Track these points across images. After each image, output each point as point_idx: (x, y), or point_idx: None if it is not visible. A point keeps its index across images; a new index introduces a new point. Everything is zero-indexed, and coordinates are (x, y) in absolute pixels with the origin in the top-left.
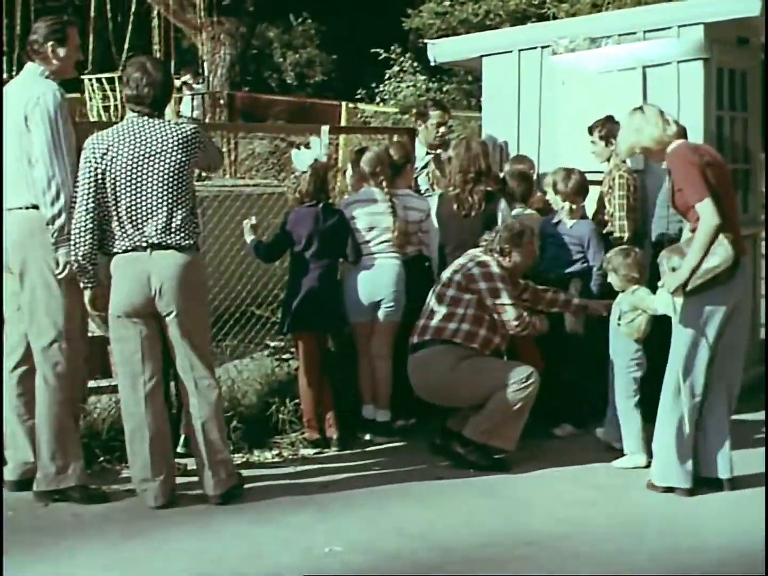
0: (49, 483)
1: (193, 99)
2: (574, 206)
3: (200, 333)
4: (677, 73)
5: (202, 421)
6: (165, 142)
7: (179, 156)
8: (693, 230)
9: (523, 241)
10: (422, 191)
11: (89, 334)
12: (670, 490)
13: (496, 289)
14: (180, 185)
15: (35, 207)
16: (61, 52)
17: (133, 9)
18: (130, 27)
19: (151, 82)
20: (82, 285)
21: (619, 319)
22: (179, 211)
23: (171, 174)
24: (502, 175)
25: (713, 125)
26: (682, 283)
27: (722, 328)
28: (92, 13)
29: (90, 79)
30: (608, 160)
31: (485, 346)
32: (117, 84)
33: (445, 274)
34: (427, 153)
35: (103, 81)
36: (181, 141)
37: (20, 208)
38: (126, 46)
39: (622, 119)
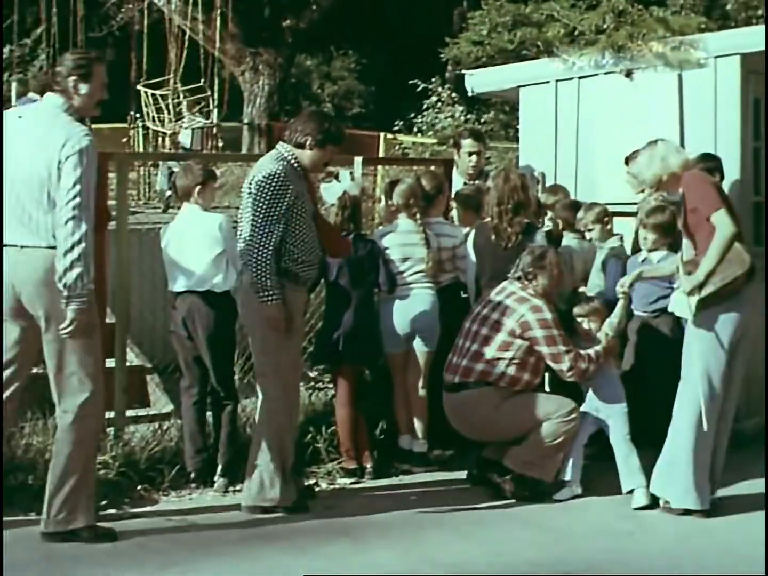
0: (57, 525)
1: (192, 131)
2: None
3: None
4: (714, 104)
5: None
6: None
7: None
8: (697, 254)
9: (545, 263)
10: (457, 222)
11: (127, 364)
12: (686, 512)
13: (552, 337)
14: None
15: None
16: (83, 88)
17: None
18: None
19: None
20: (260, 301)
21: None
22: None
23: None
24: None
25: (750, 157)
26: (698, 285)
27: (736, 341)
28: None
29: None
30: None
31: (526, 388)
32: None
33: (491, 314)
34: (465, 184)
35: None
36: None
37: (40, 247)
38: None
39: (642, 152)
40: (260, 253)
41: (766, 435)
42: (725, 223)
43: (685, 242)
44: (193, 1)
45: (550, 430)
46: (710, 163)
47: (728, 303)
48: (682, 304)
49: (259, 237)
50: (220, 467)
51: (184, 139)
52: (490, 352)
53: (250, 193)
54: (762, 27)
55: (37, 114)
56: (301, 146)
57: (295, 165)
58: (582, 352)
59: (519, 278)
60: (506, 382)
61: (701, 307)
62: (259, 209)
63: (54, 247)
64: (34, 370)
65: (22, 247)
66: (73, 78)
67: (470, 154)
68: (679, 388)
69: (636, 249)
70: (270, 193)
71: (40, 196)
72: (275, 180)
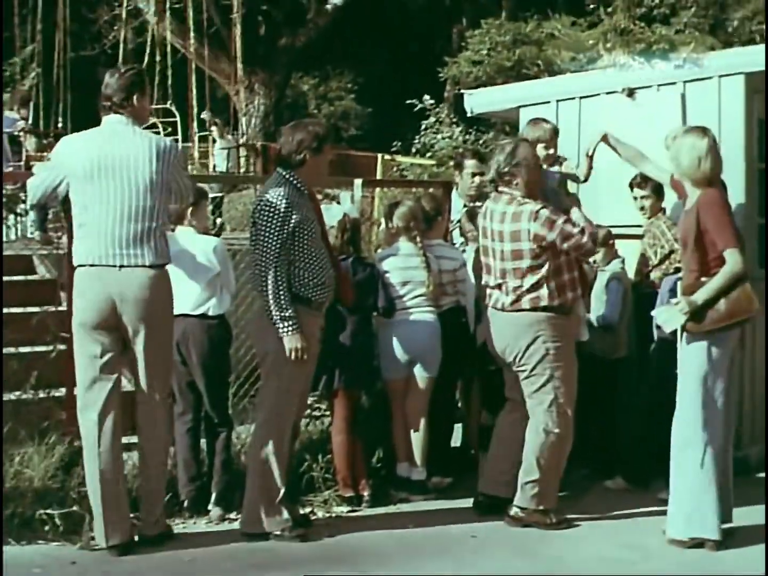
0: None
1: (228, 152)
2: None
3: None
4: (718, 124)
5: None
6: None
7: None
8: (697, 276)
9: (519, 159)
10: (457, 245)
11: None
12: (699, 544)
13: (563, 232)
14: None
15: (159, 266)
16: (145, 102)
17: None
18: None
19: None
20: (281, 333)
21: None
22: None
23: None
24: None
25: (755, 178)
26: (693, 309)
27: (729, 369)
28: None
29: None
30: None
31: (573, 298)
32: None
33: (502, 246)
34: (464, 206)
35: None
36: None
37: (141, 266)
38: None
39: (687, 135)
40: (275, 283)
41: (766, 457)
42: (737, 263)
43: (688, 257)
44: (184, 19)
45: (539, 452)
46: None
47: (721, 336)
48: (671, 319)
49: (272, 267)
50: (214, 496)
51: (219, 161)
52: (527, 281)
53: (254, 222)
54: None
55: (105, 136)
56: (301, 163)
57: (300, 186)
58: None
59: (493, 181)
60: (553, 298)
61: (697, 331)
62: (265, 238)
63: (153, 266)
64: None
65: (120, 266)
66: (135, 96)
67: (473, 175)
68: (676, 412)
69: (640, 272)
70: (273, 220)
71: (143, 210)
72: (277, 206)
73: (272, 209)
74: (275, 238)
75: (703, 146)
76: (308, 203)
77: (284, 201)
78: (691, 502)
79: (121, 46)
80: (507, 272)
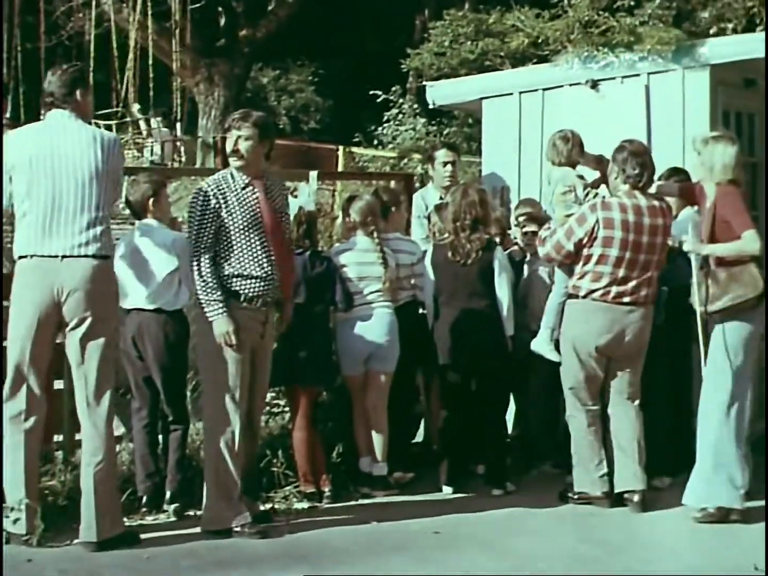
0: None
1: (161, 144)
2: None
3: None
4: (682, 116)
5: None
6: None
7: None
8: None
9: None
10: (422, 235)
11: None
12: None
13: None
14: None
15: (102, 257)
16: (88, 97)
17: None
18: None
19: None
20: (208, 317)
21: None
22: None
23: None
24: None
25: None
26: (695, 251)
27: (748, 351)
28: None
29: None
30: None
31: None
32: None
33: (642, 238)
34: (441, 198)
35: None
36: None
37: (84, 256)
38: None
39: (714, 141)
40: (200, 269)
41: (766, 440)
42: (753, 240)
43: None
44: (145, 11)
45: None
46: (682, 176)
47: (741, 316)
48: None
49: (196, 254)
50: (168, 494)
51: (147, 151)
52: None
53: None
54: (730, 38)
55: (52, 129)
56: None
57: (234, 174)
58: None
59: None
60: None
61: (717, 320)
62: (190, 227)
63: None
64: None
65: (63, 257)
66: (78, 91)
67: (445, 164)
68: (703, 392)
69: None
70: (194, 209)
71: (87, 202)
72: (198, 196)
73: (195, 198)
74: (197, 226)
75: (733, 153)
76: (246, 194)
77: (204, 192)
78: (714, 472)
79: (98, 37)
80: (639, 264)
